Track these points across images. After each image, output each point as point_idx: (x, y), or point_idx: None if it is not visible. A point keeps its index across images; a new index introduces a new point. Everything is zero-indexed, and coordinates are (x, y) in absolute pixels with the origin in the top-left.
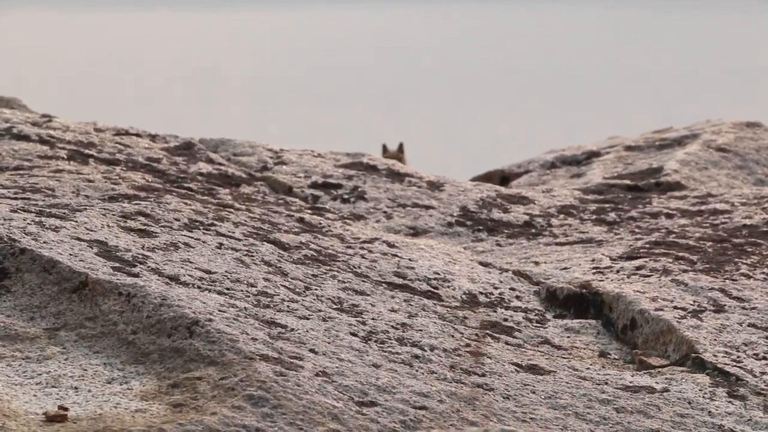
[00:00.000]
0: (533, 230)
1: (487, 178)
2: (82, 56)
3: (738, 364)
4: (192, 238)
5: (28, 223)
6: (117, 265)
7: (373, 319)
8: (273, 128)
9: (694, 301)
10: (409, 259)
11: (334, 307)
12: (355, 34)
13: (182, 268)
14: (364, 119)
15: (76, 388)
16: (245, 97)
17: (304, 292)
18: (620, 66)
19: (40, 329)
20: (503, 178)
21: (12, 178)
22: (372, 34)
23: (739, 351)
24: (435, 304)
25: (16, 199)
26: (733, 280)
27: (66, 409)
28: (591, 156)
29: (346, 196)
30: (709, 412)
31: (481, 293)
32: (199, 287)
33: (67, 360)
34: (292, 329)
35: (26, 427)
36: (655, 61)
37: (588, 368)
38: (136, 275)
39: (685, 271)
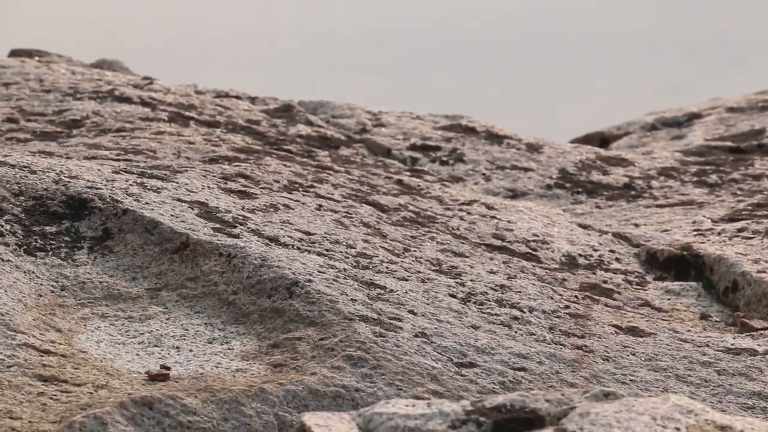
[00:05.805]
0: (633, 192)
1: (586, 140)
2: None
3: None
4: (291, 199)
5: (130, 185)
6: (217, 226)
7: (471, 280)
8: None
9: None
10: (508, 221)
11: (433, 268)
12: None
13: (282, 229)
14: (458, 84)
15: (177, 347)
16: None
17: (402, 253)
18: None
19: (142, 289)
20: (603, 140)
21: (114, 140)
22: None
23: None
24: (534, 265)
25: (118, 160)
26: None
27: (168, 369)
28: (692, 118)
29: (444, 158)
30: None
31: (580, 255)
32: (298, 248)
33: (168, 320)
34: (391, 290)
35: (129, 385)
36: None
37: (689, 330)
38: (237, 236)
39: None
